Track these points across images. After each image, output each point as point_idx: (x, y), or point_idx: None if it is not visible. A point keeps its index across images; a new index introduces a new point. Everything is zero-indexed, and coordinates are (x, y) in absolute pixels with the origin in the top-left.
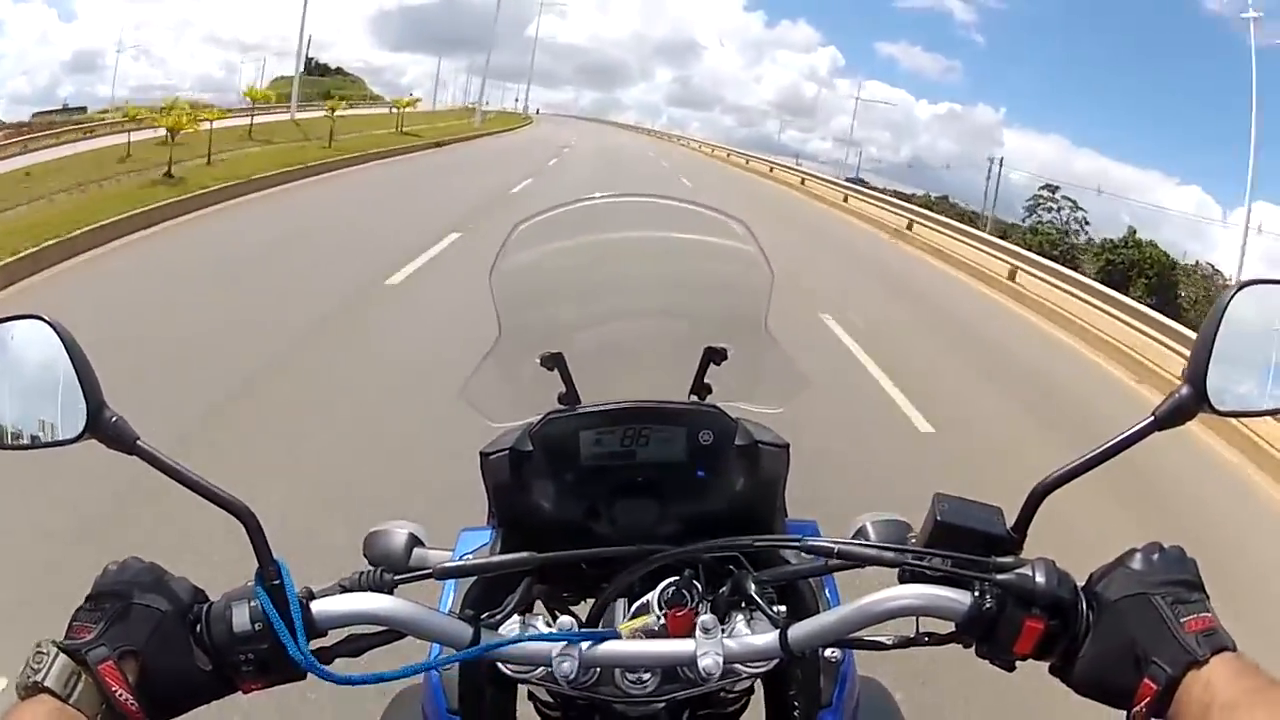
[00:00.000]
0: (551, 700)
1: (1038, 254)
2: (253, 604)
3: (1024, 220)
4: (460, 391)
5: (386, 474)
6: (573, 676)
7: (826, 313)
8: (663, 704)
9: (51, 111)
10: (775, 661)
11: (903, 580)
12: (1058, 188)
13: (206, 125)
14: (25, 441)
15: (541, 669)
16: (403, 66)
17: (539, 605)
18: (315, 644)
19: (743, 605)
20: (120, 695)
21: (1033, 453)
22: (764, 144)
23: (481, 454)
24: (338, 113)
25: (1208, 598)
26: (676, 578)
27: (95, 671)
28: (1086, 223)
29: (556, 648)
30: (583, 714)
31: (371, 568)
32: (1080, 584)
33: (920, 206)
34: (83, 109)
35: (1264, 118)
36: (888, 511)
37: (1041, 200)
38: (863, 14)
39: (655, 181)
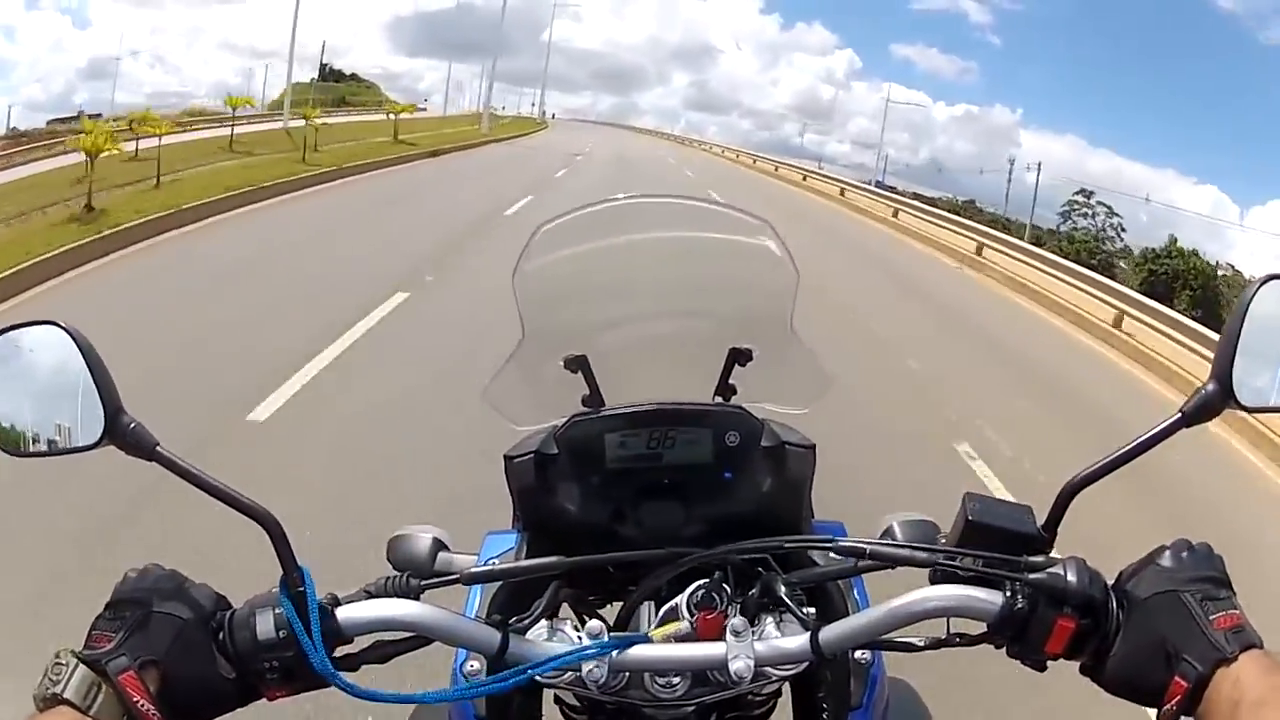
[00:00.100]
0: (578, 704)
1: (1074, 261)
2: (277, 611)
3: (1059, 227)
4: (483, 394)
5: None
6: (603, 681)
7: (963, 440)
8: (692, 708)
9: (68, 119)
10: (805, 664)
11: (934, 581)
12: (1092, 192)
13: (160, 139)
14: (41, 449)
15: (571, 674)
16: (420, 72)
17: (564, 609)
18: (341, 650)
19: (772, 607)
20: (141, 706)
21: None
22: (783, 147)
23: (506, 457)
24: (337, 119)
25: (1235, 594)
26: (706, 580)
27: (116, 682)
28: (1122, 229)
29: (589, 654)
30: (610, 717)
31: (396, 573)
32: (1109, 582)
33: (948, 211)
34: (98, 116)
35: None
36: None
37: (1076, 206)
38: (878, 16)
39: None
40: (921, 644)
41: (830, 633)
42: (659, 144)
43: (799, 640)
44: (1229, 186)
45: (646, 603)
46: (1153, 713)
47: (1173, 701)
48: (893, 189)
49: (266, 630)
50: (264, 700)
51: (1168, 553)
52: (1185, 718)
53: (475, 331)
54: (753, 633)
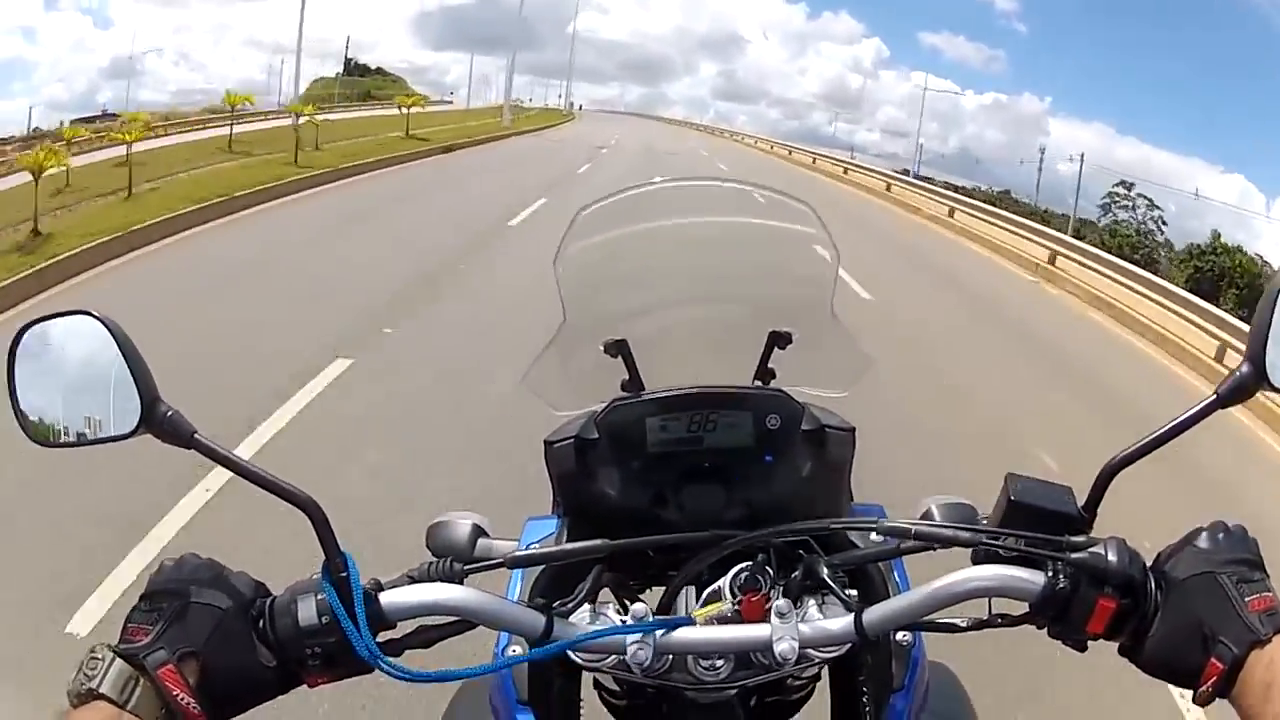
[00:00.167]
0: (618, 688)
1: (1118, 256)
2: (319, 597)
3: (1099, 219)
4: (522, 379)
5: None
6: (647, 664)
7: None
8: (734, 691)
9: (91, 118)
10: (848, 645)
11: (976, 561)
12: (1133, 184)
13: (130, 147)
14: (73, 439)
15: (614, 657)
16: (446, 65)
17: (606, 593)
18: (384, 636)
19: (815, 590)
20: (181, 698)
21: None
22: (812, 136)
23: (546, 442)
24: (350, 115)
25: (1269, 577)
26: (749, 563)
27: (154, 676)
28: (1164, 222)
29: (632, 636)
30: (650, 701)
31: (436, 559)
32: (1148, 564)
33: (983, 202)
34: (113, 116)
35: None
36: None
37: (1117, 198)
38: (904, 4)
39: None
40: (964, 625)
41: (874, 614)
42: (688, 135)
43: (843, 621)
44: (1255, 175)
45: (687, 588)
46: (1188, 694)
47: (1209, 683)
48: (928, 180)
49: (309, 616)
50: (304, 687)
51: (1204, 534)
52: (1220, 699)
53: (436, 426)
54: (796, 614)
